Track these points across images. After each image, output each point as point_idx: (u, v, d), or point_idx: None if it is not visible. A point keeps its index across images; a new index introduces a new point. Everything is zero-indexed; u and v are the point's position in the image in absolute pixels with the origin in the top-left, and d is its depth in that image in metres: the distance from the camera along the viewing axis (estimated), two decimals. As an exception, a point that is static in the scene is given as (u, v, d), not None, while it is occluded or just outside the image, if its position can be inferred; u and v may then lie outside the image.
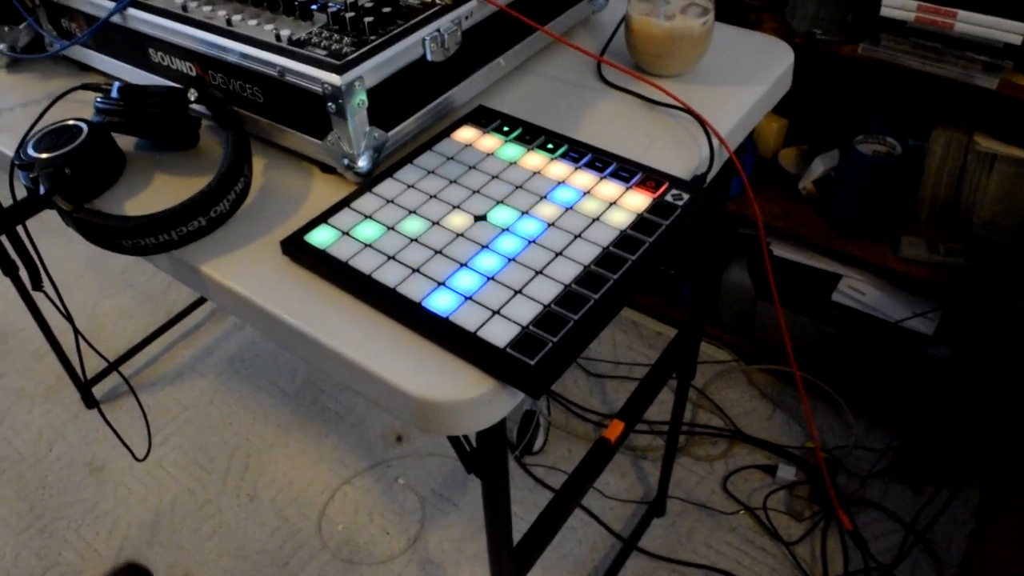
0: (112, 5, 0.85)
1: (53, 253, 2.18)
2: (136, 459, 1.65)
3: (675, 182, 0.72)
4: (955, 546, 1.50)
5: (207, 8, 0.83)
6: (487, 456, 0.74)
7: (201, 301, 2.03)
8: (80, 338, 0.92)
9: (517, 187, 0.72)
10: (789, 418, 1.73)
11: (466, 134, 0.79)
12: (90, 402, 1.84)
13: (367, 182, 0.74)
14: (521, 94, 0.88)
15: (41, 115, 0.83)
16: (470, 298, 0.61)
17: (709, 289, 1.71)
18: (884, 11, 1.27)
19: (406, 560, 1.52)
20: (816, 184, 1.60)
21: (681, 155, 0.79)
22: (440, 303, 0.61)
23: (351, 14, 0.77)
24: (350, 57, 0.72)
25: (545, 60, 0.94)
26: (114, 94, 0.80)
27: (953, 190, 1.49)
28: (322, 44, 0.75)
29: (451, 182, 0.73)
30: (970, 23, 1.23)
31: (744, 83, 0.89)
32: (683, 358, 1.27)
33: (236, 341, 1.97)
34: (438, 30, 0.77)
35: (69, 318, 0.86)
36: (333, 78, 0.70)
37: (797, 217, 1.60)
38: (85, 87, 0.85)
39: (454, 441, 0.75)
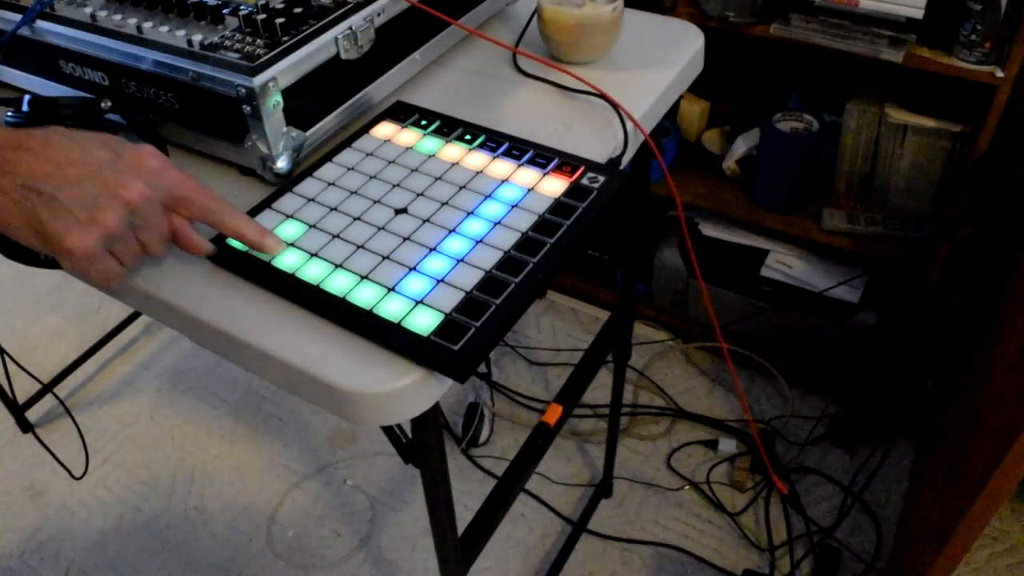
0: (18, 17, 0.83)
1: (-23, 277, 2.12)
2: (75, 478, 1.62)
3: (591, 166, 0.73)
4: (892, 504, 1.56)
5: (117, 17, 0.82)
6: (423, 445, 0.75)
7: (135, 316, 2.00)
8: (9, 360, 0.91)
9: (436, 179, 0.73)
10: (728, 393, 1.77)
11: (385, 130, 0.80)
12: (25, 426, 1.80)
13: (288, 182, 0.75)
14: (439, 88, 0.89)
15: (-51, 133, 0.81)
16: (392, 289, 0.62)
17: (639, 271, 1.75)
18: (788, -9, 1.32)
19: (360, 560, 1.52)
20: (739, 163, 1.64)
21: (598, 140, 0.81)
22: (363, 296, 0.62)
23: (262, 16, 0.77)
24: (263, 59, 0.72)
25: (462, 53, 0.95)
26: (24, 107, 0.79)
27: (869, 162, 1.54)
28: (235, 47, 0.75)
29: (371, 177, 0.74)
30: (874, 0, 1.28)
31: (656, 67, 0.91)
32: (618, 340, 1.30)
33: (173, 354, 1.94)
34: (350, 28, 0.77)
35: (-8, 338, 0.85)
36: (247, 80, 0.70)
37: (723, 196, 1.64)
38: (-7, 102, 0.84)
39: (389, 433, 0.76)
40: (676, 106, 1.71)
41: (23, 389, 1.81)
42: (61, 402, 1.42)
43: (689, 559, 1.49)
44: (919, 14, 1.26)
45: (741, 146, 1.63)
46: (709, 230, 1.71)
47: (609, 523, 1.55)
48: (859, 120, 1.50)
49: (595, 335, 1.89)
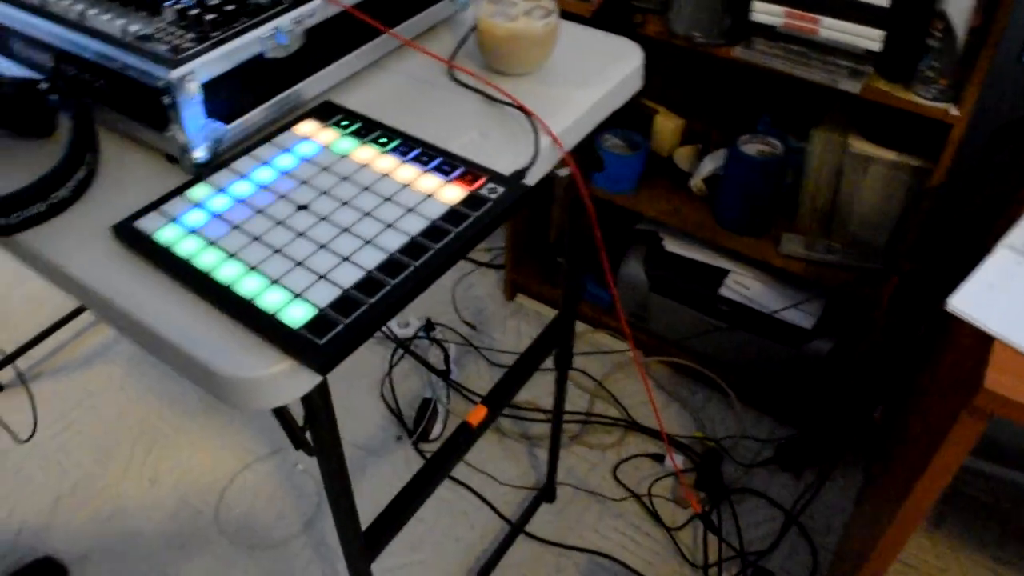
0: (-30, -5, 0.87)
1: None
2: (19, 441, 1.66)
3: (493, 176, 0.76)
4: (833, 531, 1.57)
5: (66, 2, 0.85)
6: (314, 433, 0.77)
7: (114, 289, 2.04)
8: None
9: (343, 179, 0.76)
10: (682, 409, 1.79)
11: (306, 127, 0.82)
12: (-5, 389, 1.85)
13: (205, 171, 0.78)
14: (373, 90, 0.92)
15: None
16: (276, 282, 0.65)
17: (578, 277, 1.76)
18: (755, 16, 1.33)
19: (301, 543, 1.55)
20: (706, 182, 1.66)
21: (513, 152, 0.83)
22: (248, 287, 0.65)
23: (196, 11, 0.81)
24: (187, 53, 0.75)
25: (402, 57, 0.98)
26: (-33, 84, 0.82)
27: (832, 190, 1.56)
28: (164, 39, 0.78)
29: (283, 173, 0.77)
30: (833, 29, 1.29)
31: (587, 83, 0.94)
32: (560, 345, 1.32)
33: (147, 329, 1.98)
34: (276, 28, 0.80)
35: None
36: (166, 73, 0.73)
37: (688, 214, 1.66)
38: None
39: (281, 419, 0.78)
40: (650, 120, 1.73)
41: (-5, 352, 1.86)
42: (18, 371, 1.46)
43: (622, 570, 1.52)
44: (877, 46, 1.28)
45: (708, 165, 1.65)
46: (672, 245, 1.73)
47: (548, 528, 1.58)
48: (823, 148, 1.51)
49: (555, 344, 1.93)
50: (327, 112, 0.85)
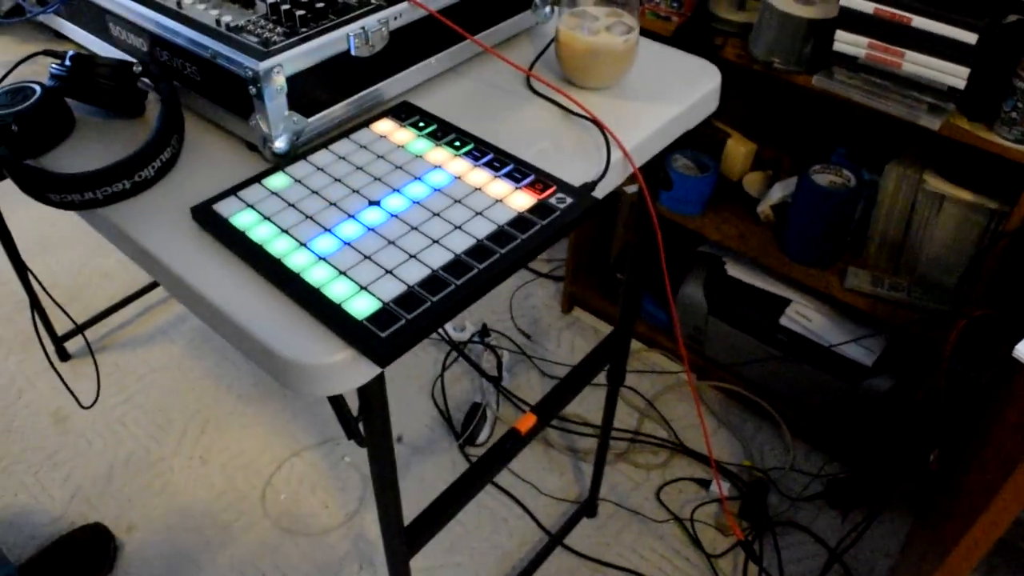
0: (78, -23, 0.91)
1: (49, 212, 2.26)
2: (83, 407, 1.72)
3: (563, 187, 0.77)
4: (877, 574, 1.54)
5: (166, -12, 0.89)
6: (368, 425, 0.79)
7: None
8: (46, 298, 0.98)
9: (416, 178, 0.77)
10: (731, 435, 1.77)
11: (384, 126, 0.84)
12: (64, 356, 1.92)
13: (284, 162, 0.80)
14: (450, 94, 0.94)
15: (4, 76, 0.90)
16: (344, 273, 0.67)
17: (636, 297, 1.74)
18: (837, 46, 1.32)
19: (341, 534, 1.58)
20: (774, 209, 1.64)
21: (584, 164, 0.84)
22: (316, 276, 0.67)
23: (287, 6, 0.83)
24: (276, 46, 0.78)
25: (482, 64, 0.99)
26: (67, 62, 0.86)
27: (903, 226, 1.53)
28: (256, 32, 0.81)
29: (357, 168, 0.78)
30: (917, 64, 1.27)
31: (662, 101, 0.94)
32: (613, 361, 1.32)
33: (211, 311, 2.03)
34: (363, 27, 0.82)
35: (27, 284, 0.92)
36: (255, 64, 0.75)
37: (753, 240, 1.64)
38: (46, 53, 0.92)
39: (336, 408, 0.80)
40: (722, 144, 1.72)
41: (66, 323, 1.93)
42: (86, 340, 1.52)
43: (659, 591, 1.51)
44: (961, 84, 1.25)
45: (778, 192, 1.63)
46: (734, 270, 1.71)
47: (587, 542, 1.57)
48: (897, 183, 1.48)
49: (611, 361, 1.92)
50: (405, 112, 0.86)
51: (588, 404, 1.82)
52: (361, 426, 0.80)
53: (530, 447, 1.73)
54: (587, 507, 1.61)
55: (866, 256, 1.60)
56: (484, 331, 1.96)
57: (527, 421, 1.10)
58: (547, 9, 1.05)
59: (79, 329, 1.47)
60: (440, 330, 1.95)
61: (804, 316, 1.64)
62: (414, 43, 0.90)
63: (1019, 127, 1.24)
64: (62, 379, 1.12)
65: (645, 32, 1.09)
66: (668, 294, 1.02)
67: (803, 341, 1.63)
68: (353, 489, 1.65)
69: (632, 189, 1.07)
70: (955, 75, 1.25)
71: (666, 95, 0.95)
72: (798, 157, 1.74)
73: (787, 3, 1.37)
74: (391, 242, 0.70)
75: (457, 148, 0.81)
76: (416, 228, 0.72)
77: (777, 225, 1.65)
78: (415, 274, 0.67)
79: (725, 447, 1.74)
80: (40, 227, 2.27)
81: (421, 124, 0.85)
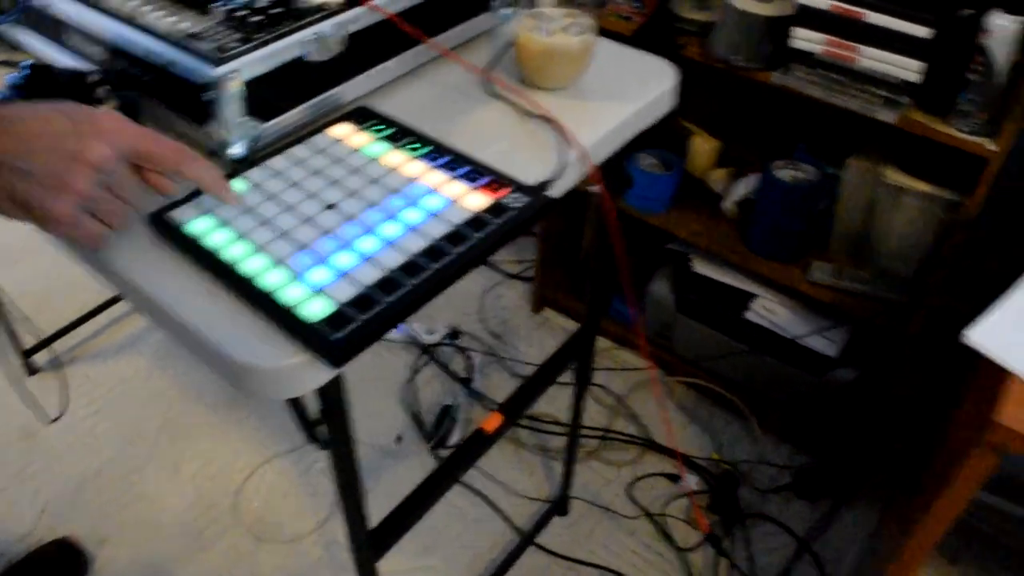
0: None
1: (10, 224, 2.22)
2: (45, 421, 1.71)
3: (519, 187, 0.77)
4: (846, 561, 1.56)
5: (119, -3, 0.89)
6: (329, 425, 0.79)
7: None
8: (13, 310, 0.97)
9: (372, 181, 0.78)
10: (701, 430, 1.78)
11: (340, 130, 0.85)
12: (32, 369, 1.89)
13: (241, 167, 0.80)
14: (409, 97, 0.94)
15: (-46, 86, 0.89)
16: (299, 276, 0.67)
17: (603, 295, 1.76)
18: (794, 43, 1.34)
19: (313, 540, 1.57)
20: (738, 205, 1.66)
21: (544, 164, 0.84)
22: (272, 280, 0.67)
23: (243, 12, 0.83)
24: (231, 52, 0.78)
25: (440, 67, 0.99)
26: (24, 71, 0.86)
27: (864, 219, 1.55)
28: (212, 38, 0.81)
29: (314, 172, 0.79)
30: (872, 58, 1.30)
31: (619, 100, 0.95)
32: (579, 359, 1.33)
33: (180, 320, 2.02)
34: (319, 32, 0.83)
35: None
36: (210, 70, 0.76)
37: (718, 236, 1.66)
38: (3, 64, 0.92)
39: (294, 411, 0.80)
40: (687, 142, 1.73)
41: (34, 334, 1.90)
42: (54, 354, 1.50)
43: (632, 587, 1.52)
44: (916, 77, 1.27)
45: (741, 189, 1.65)
46: (701, 267, 1.73)
47: (559, 541, 1.58)
48: (857, 177, 1.51)
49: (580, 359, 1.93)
50: (362, 116, 0.87)
51: (559, 403, 1.83)
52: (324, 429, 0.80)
53: (501, 448, 1.74)
54: (559, 506, 1.61)
55: (829, 250, 1.62)
56: (454, 333, 1.96)
57: (493, 420, 1.11)
58: (506, 11, 1.05)
59: (46, 342, 1.45)
60: (412, 333, 1.96)
61: (769, 310, 1.66)
62: (372, 47, 0.90)
63: (974, 119, 1.26)
64: (28, 393, 1.11)
65: (607, 33, 1.11)
66: (626, 290, 1.03)
67: (768, 335, 1.65)
68: (325, 495, 1.65)
69: (598, 189, 1.08)
70: (910, 69, 1.28)
71: (622, 94, 0.96)
72: (762, 154, 1.76)
73: (746, 1, 1.39)
74: (347, 245, 0.70)
75: (414, 150, 0.82)
76: (372, 230, 0.72)
77: (742, 221, 1.67)
78: (370, 276, 0.67)
79: (695, 442, 1.76)
80: (3, 237, 2.25)
81: (378, 127, 0.85)
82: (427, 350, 1.93)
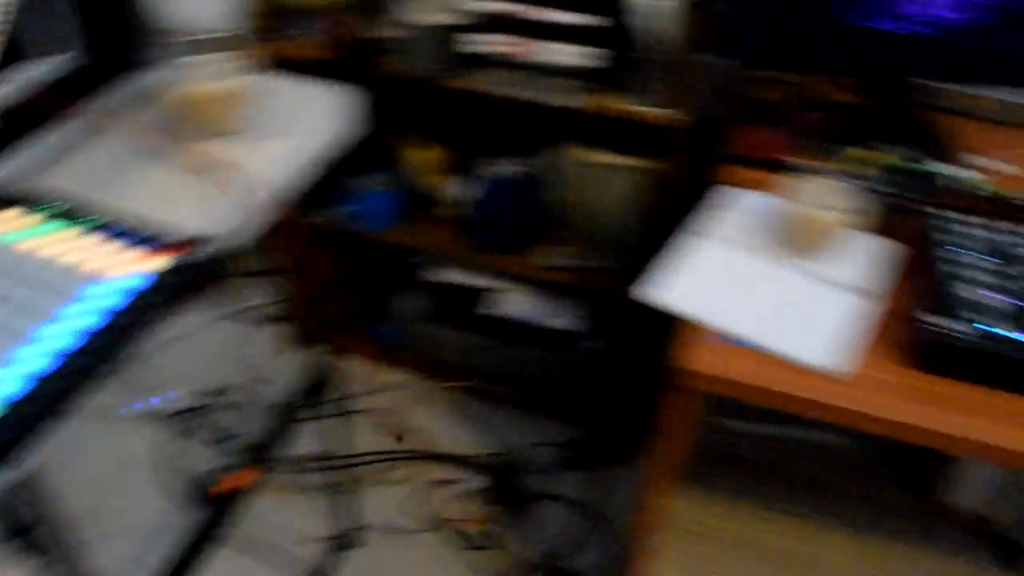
0: None
1: None
2: None
3: (185, 243, 0.76)
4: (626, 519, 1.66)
5: None
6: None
7: None
8: None
9: (37, 267, 0.73)
10: (478, 428, 1.83)
11: (7, 215, 0.79)
12: None
13: None
14: (81, 168, 0.89)
15: None
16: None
17: (349, 323, 1.76)
18: (467, 47, 1.41)
19: None
20: (460, 207, 1.71)
21: (224, 210, 0.83)
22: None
23: None
24: None
25: (108, 132, 0.95)
26: None
27: (580, 201, 1.65)
28: None
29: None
30: (544, 52, 1.39)
31: (301, 134, 0.95)
32: (330, 390, 1.32)
33: None
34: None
35: None
36: None
37: (452, 241, 1.71)
38: None
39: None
40: (399, 156, 1.76)
41: None
42: None
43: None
44: (596, 64, 1.38)
45: (456, 190, 1.71)
46: (441, 274, 1.77)
47: (356, 574, 1.56)
48: (560, 163, 1.60)
49: (342, 388, 1.90)
50: (24, 198, 0.81)
51: (335, 437, 1.80)
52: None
53: (283, 495, 1.68)
54: (351, 539, 1.60)
55: (558, 235, 1.71)
56: (219, 391, 1.88)
57: (246, 476, 1.08)
58: (160, 67, 1.02)
59: None
60: (161, 405, 1.85)
61: (511, 301, 1.73)
62: (26, 123, 0.85)
63: (656, 94, 1.38)
64: None
65: (294, 64, 1.10)
66: (374, 309, 1.04)
67: (516, 324, 1.72)
68: None
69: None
70: (579, 56, 1.38)
71: (305, 127, 0.97)
72: (480, 155, 1.82)
73: (422, 15, 1.44)
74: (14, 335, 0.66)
75: (82, 225, 0.78)
76: (34, 322, 0.68)
77: (466, 222, 1.72)
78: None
79: (473, 441, 1.80)
80: None
81: (44, 207, 0.80)
82: (183, 416, 1.83)
